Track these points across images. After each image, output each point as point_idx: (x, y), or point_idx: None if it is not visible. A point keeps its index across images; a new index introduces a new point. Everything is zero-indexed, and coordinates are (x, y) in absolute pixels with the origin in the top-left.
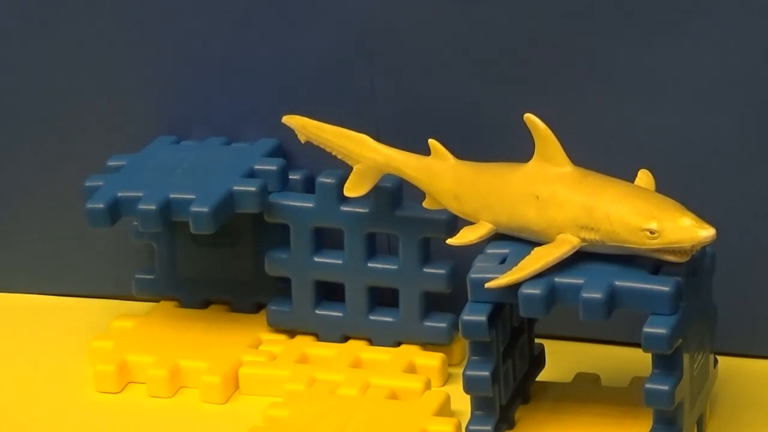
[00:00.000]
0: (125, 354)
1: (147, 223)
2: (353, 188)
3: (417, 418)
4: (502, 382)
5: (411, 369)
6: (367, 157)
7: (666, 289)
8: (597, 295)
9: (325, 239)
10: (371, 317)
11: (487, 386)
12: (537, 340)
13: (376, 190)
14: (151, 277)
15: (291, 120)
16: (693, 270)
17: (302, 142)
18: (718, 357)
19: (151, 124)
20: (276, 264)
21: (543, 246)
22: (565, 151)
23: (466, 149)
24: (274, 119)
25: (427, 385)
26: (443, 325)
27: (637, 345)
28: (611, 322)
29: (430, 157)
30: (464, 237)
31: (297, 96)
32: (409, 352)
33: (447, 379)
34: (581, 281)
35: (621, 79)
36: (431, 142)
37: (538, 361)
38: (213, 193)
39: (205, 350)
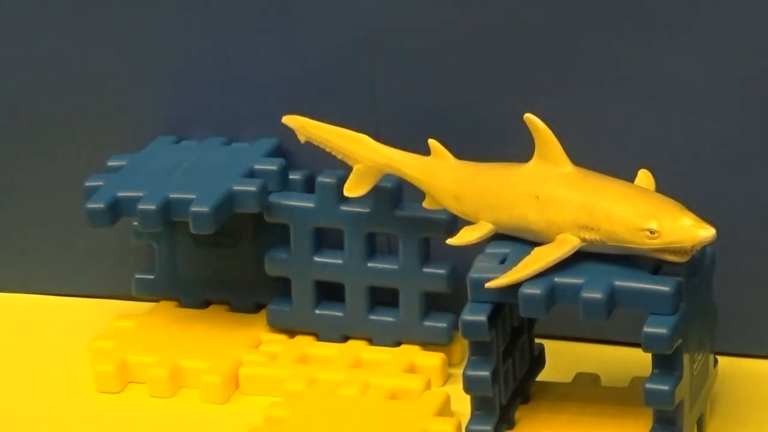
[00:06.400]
0: (125, 354)
1: (147, 223)
2: (353, 188)
3: (417, 418)
4: (502, 382)
5: (411, 369)
6: (367, 157)
7: (666, 289)
8: (597, 295)
9: (325, 239)
10: (371, 317)
11: (487, 386)
12: (537, 340)
13: (376, 190)
14: (151, 277)
15: (291, 120)
16: (693, 270)
17: (302, 142)
18: (718, 357)
19: (151, 124)
20: (276, 264)
21: (543, 246)
22: (565, 151)
23: (466, 149)
24: (274, 119)
25: (427, 385)
26: (443, 325)
27: (637, 345)
28: (611, 322)
29: (430, 157)
30: (464, 237)
31: (297, 96)
32: (409, 352)
33: (447, 379)
34: (581, 281)
35: (621, 79)
36: (431, 142)
37: (538, 361)
38: (213, 193)
39: (205, 350)
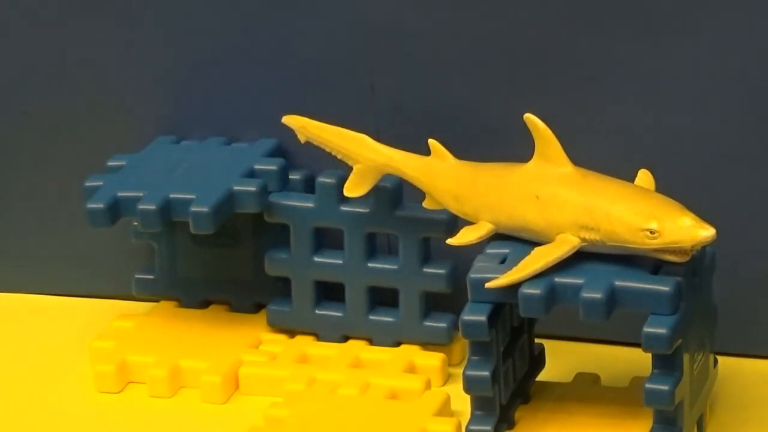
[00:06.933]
0: (125, 354)
1: (147, 223)
2: (353, 188)
3: (417, 418)
4: (502, 382)
5: (411, 369)
6: (367, 157)
7: (666, 289)
8: (597, 295)
9: (325, 239)
10: (371, 317)
11: (487, 386)
12: (537, 340)
13: (376, 190)
14: (151, 277)
15: (291, 120)
16: (693, 270)
17: (302, 142)
18: (718, 357)
19: (151, 124)
20: (276, 264)
21: (543, 246)
22: (565, 151)
23: (466, 149)
24: (274, 119)
25: (427, 385)
26: (443, 325)
27: (637, 345)
28: (611, 322)
29: (430, 157)
30: (464, 237)
31: (297, 96)
32: (409, 352)
33: (447, 379)
34: (581, 281)
35: (621, 79)
36: (431, 142)
37: (538, 361)
38: (213, 193)
39: (205, 350)
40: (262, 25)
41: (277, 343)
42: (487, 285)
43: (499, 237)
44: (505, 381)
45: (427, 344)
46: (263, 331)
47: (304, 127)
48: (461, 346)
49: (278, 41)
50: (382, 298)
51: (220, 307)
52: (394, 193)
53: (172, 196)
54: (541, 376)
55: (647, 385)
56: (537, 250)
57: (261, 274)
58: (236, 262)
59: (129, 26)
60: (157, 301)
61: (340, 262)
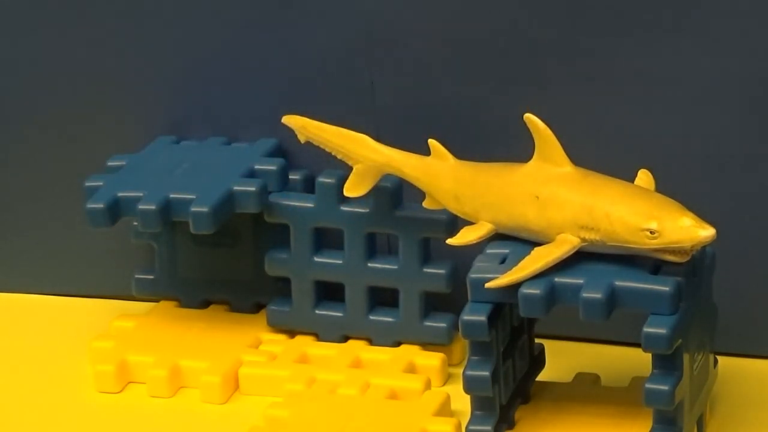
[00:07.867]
0: (125, 354)
1: (147, 223)
2: (353, 188)
3: (417, 418)
4: (502, 382)
5: (411, 369)
6: (367, 157)
7: (666, 289)
8: (597, 295)
9: (325, 239)
10: (371, 317)
11: (487, 386)
12: (537, 340)
13: (376, 190)
14: (151, 277)
15: (291, 120)
16: (693, 270)
17: (302, 142)
18: (718, 357)
19: (151, 124)
20: (276, 264)
21: (543, 246)
22: (565, 151)
23: (466, 149)
24: (274, 119)
25: (427, 385)
26: (443, 325)
27: (637, 345)
28: (611, 322)
29: (430, 157)
30: (464, 237)
31: (297, 96)
32: (409, 352)
33: (447, 379)
34: (581, 281)
35: (621, 79)
36: (431, 142)
37: (538, 361)
38: (213, 193)
39: (205, 350)
40: (262, 25)
41: (277, 343)
42: (487, 285)
43: (499, 237)
44: (505, 381)
45: (427, 344)
46: (263, 331)
47: (304, 127)
48: (461, 346)
49: (278, 41)
50: (382, 298)
51: (220, 307)
52: (394, 193)
53: (172, 196)
54: (541, 376)
55: (647, 385)
56: (537, 250)
57: (261, 274)
58: (236, 262)
59: (129, 26)
60: (157, 301)
61: (340, 262)
